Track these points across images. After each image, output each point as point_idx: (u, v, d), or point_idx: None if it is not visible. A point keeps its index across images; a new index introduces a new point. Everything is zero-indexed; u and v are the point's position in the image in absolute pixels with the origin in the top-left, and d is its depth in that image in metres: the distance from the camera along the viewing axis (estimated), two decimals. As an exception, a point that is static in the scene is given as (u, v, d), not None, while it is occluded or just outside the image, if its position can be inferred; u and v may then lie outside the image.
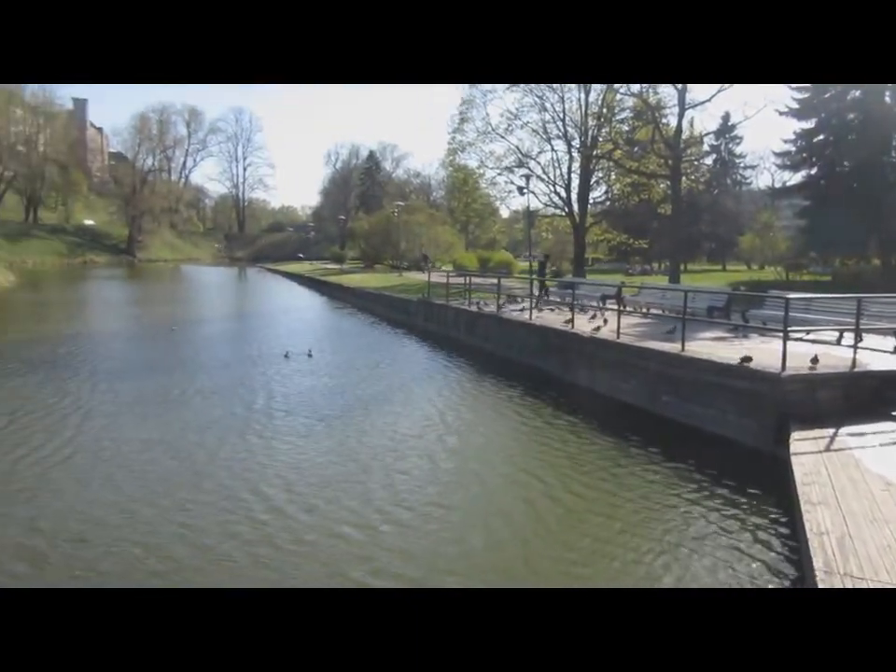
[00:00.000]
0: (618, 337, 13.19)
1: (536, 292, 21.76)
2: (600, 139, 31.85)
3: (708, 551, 6.46)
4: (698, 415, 10.45)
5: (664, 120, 30.98)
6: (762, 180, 74.84)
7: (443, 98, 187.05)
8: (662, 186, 33.01)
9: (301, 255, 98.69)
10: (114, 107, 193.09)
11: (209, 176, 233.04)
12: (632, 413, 11.63)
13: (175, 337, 22.25)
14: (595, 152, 31.90)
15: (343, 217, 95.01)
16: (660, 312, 17.79)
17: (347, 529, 6.95)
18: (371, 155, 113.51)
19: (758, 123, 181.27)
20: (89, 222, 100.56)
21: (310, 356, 17.74)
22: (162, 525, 6.99)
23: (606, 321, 15.28)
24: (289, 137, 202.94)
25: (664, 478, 8.58)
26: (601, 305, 17.60)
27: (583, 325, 15.23)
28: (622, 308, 14.94)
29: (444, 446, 10.11)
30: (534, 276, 25.41)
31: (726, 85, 24.01)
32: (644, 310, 18.52)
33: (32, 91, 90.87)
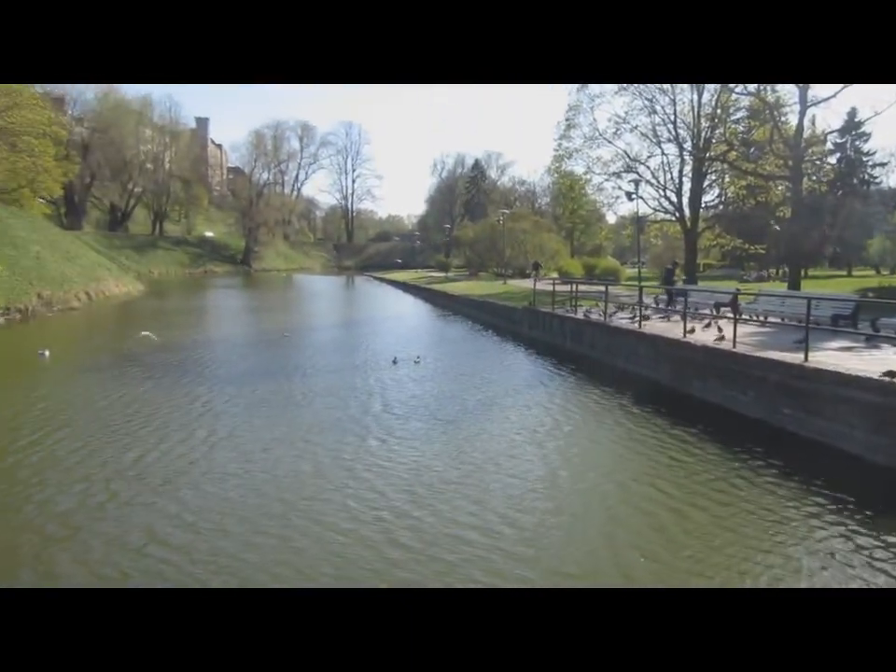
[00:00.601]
0: (734, 346, 12.73)
1: (647, 300, 21.24)
2: (713, 141, 30.77)
3: (839, 577, 6.15)
4: (822, 430, 9.94)
5: (783, 119, 29.57)
6: (893, 179, 70.09)
7: (548, 102, 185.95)
8: (780, 188, 31.50)
9: (399, 261, 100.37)
10: (233, 125, 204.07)
11: (320, 188, 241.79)
12: (749, 425, 11.21)
13: (288, 343, 23.18)
14: (707, 154, 30.84)
15: (448, 225, 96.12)
16: (779, 320, 17.01)
17: (467, 531, 7.12)
18: (477, 163, 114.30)
19: (889, 118, 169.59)
20: (209, 234, 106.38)
21: (417, 362, 18.12)
22: (293, 522, 7.38)
23: (720, 330, 14.75)
24: (396, 148, 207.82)
25: (787, 491, 8.28)
26: (715, 313, 17.01)
27: (696, 334, 14.76)
28: (737, 316, 14.37)
29: (556, 452, 10.15)
30: (642, 284, 24.82)
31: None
32: (761, 318, 17.75)
33: (159, 112, 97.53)
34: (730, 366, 12.45)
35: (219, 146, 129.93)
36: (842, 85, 23.90)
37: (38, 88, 54.85)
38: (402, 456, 9.73)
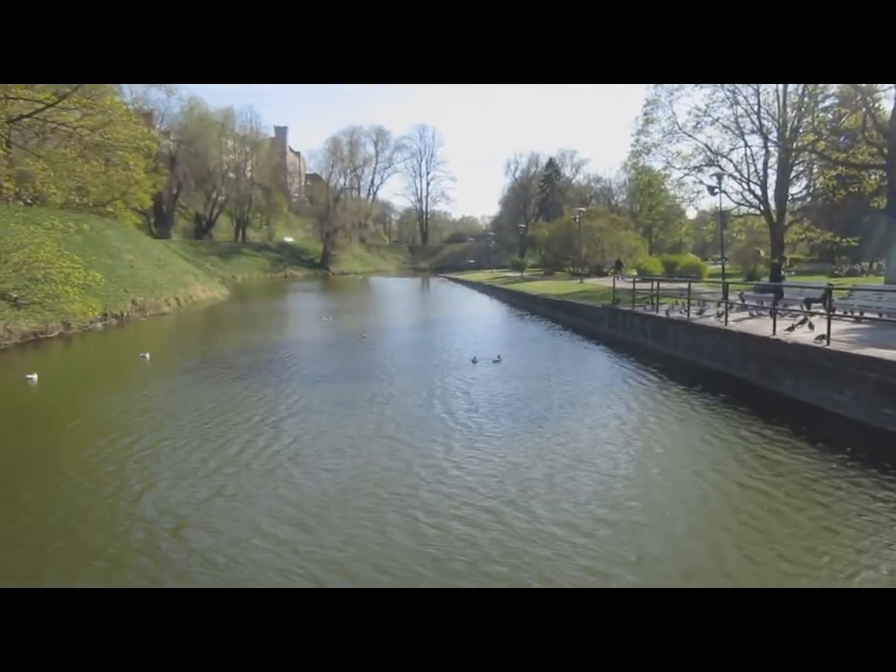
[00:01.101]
0: (828, 343, 12.22)
1: (732, 297, 20.61)
2: (801, 130, 29.49)
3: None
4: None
5: (876, 105, 28.12)
6: None
7: (623, 98, 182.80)
8: (874, 177, 29.96)
9: (473, 262, 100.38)
10: (310, 133, 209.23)
11: (394, 192, 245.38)
12: (846, 425, 10.76)
13: (367, 344, 23.58)
14: (794, 145, 29.59)
15: (522, 225, 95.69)
16: (876, 316, 16.21)
17: (561, 530, 7.12)
18: (551, 162, 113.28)
19: None
20: (288, 239, 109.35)
21: (497, 360, 18.19)
22: (389, 519, 7.53)
23: (812, 326, 14.17)
24: (470, 149, 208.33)
25: (890, 493, 7.94)
26: (805, 309, 16.36)
27: (786, 331, 14.22)
28: (830, 312, 13.76)
29: (644, 452, 10.03)
30: (726, 280, 24.06)
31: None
32: (856, 314, 16.95)
33: (240, 123, 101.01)
34: (824, 364, 11.96)
35: (298, 153, 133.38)
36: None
37: (129, 104, 57.74)
38: (491, 455, 9.81)
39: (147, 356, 19.57)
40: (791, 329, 14.08)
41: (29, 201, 32.58)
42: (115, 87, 31.55)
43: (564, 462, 9.44)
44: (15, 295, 21.71)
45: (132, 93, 73.76)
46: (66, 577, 6.30)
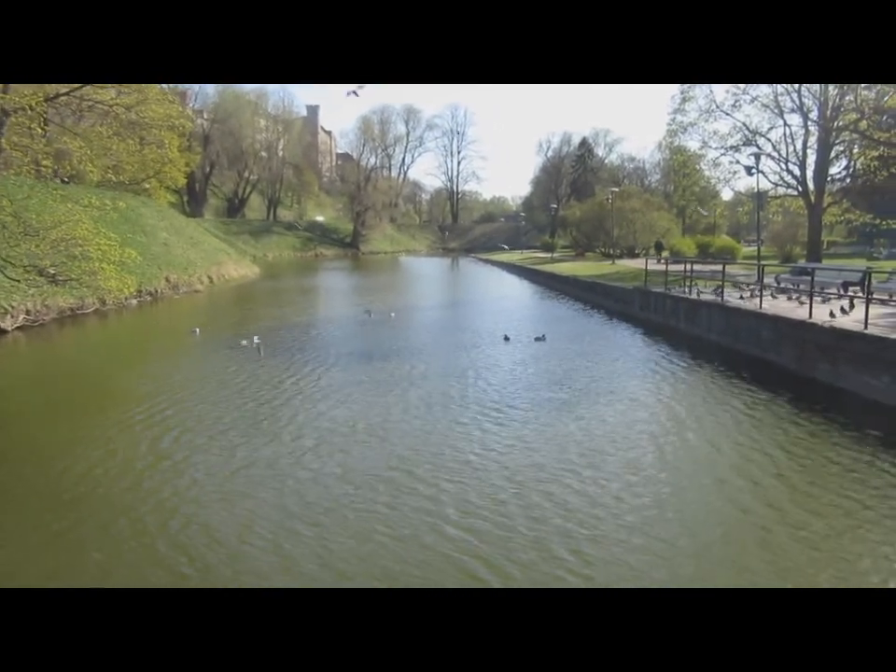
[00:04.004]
0: (866, 328, 11.97)
1: (768, 280, 20.22)
2: (842, 109, 28.71)
3: None
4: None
5: (922, 83, 27.21)
6: None
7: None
8: (918, 157, 29.06)
9: (504, 245, 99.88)
10: (342, 111, 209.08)
11: (425, 171, 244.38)
12: (885, 413, 10.53)
13: (398, 323, 23.65)
14: (835, 124, 28.83)
15: (553, 205, 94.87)
16: (917, 300, 15.82)
17: (598, 526, 7.02)
18: (584, 142, 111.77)
19: None
20: (319, 218, 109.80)
21: (542, 339, 18.56)
22: (422, 513, 7.40)
23: (852, 308, 13.88)
24: (502, 128, 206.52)
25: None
26: (843, 293, 16.02)
27: (823, 314, 13.94)
28: (869, 296, 13.45)
29: (679, 443, 9.78)
30: (762, 263, 23.61)
31: None
32: (897, 298, 16.56)
33: (273, 102, 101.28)
34: (861, 348, 11.72)
35: (329, 132, 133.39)
36: None
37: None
38: (531, 438, 9.84)
39: (198, 331, 20.41)
40: (832, 315, 13.67)
41: (66, 179, 33.09)
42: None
43: (596, 450, 9.40)
44: (53, 271, 22.09)
45: (166, 72, 74.16)
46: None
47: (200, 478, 8.32)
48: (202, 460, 8.98)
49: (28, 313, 21.65)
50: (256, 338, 18.27)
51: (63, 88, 21.88)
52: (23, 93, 19.66)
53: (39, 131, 22.70)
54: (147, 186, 42.72)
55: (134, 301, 28.66)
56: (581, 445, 9.40)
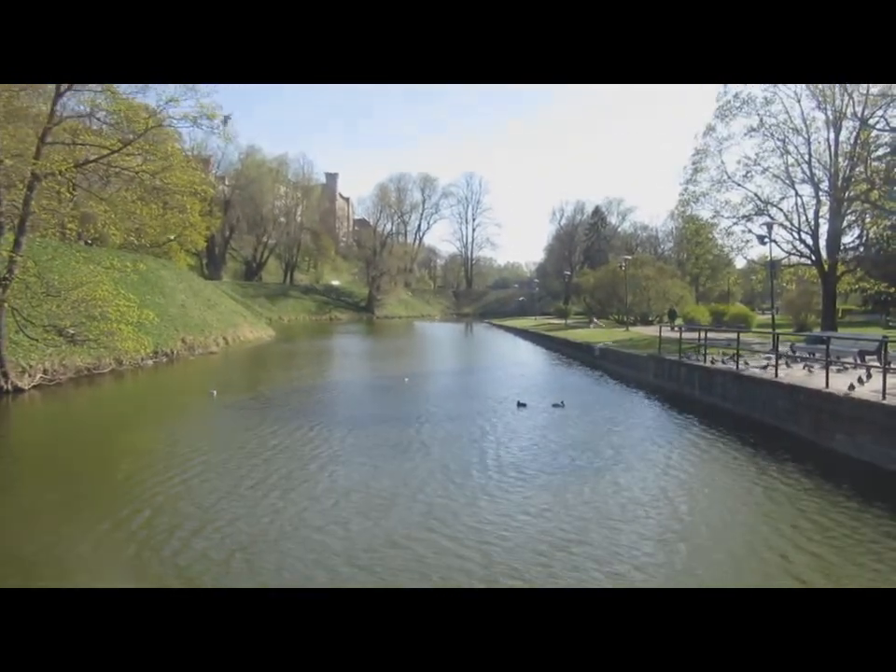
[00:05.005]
0: (884, 398, 11.82)
1: (782, 349, 20.10)
2: (853, 180, 29.06)
3: None
4: None
5: (931, 156, 27.59)
6: None
7: (671, 147, 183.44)
8: (931, 227, 29.24)
9: (516, 307, 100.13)
10: (359, 178, 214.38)
11: (441, 237, 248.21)
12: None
13: (412, 388, 23.61)
14: (847, 194, 29.14)
15: (567, 272, 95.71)
16: (935, 370, 15.61)
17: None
18: (597, 210, 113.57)
19: None
20: (335, 282, 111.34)
21: (560, 405, 18.45)
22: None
23: (869, 378, 13.74)
24: (515, 196, 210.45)
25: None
26: (860, 362, 15.88)
27: (839, 384, 13.79)
28: (886, 365, 13.32)
29: (696, 513, 9.64)
30: (777, 331, 23.55)
31: None
32: (914, 368, 16.36)
33: (294, 169, 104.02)
34: (881, 419, 11.54)
35: (347, 199, 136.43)
36: None
37: (189, 150, 59.97)
38: (552, 505, 9.71)
39: (215, 393, 20.53)
40: (851, 388, 13.23)
41: (90, 241, 33.90)
42: (176, 133, 32.86)
43: (612, 518, 9.27)
44: (72, 331, 22.44)
45: (191, 140, 76.78)
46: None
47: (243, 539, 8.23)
48: (241, 529, 8.90)
49: (45, 372, 21.86)
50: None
51: (93, 154, 22.62)
52: (54, 159, 20.34)
53: (67, 195, 23.41)
54: (168, 249, 43.60)
55: (150, 362, 28.90)
56: (594, 515, 9.24)
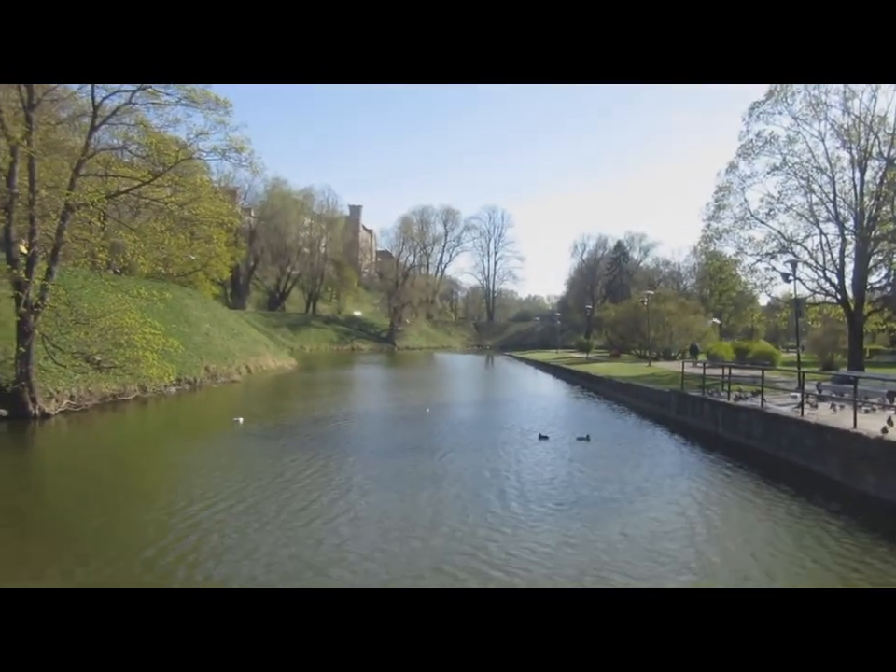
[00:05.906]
0: (915, 439, 11.61)
1: (809, 387, 19.87)
2: (879, 219, 28.85)
3: None
4: None
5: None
6: None
7: (693, 183, 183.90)
8: (959, 268, 28.90)
9: (537, 340, 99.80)
10: (383, 211, 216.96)
11: (462, 270, 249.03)
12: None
13: (434, 419, 23.58)
14: (872, 234, 28.91)
15: (589, 306, 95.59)
16: (967, 412, 15.30)
17: None
18: (619, 245, 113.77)
19: None
20: (357, 313, 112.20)
21: (585, 439, 18.40)
22: None
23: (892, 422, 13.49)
24: (537, 230, 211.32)
25: None
26: (889, 403, 15.62)
27: (867, 424, 13.56)
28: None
29: (720, 555, 9.46)
30: (802, 370, 23.25)
31: None
32: (945, 409, 16.04)
33: (319, 202, 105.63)
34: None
35: (370, 231, 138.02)
36: None
37: (217, 182, 61.06)
38: (577, 539, 9.64)
39: (241, 420, 20.76)
40: (885, 430, 12.77)
41: (118, 270, 34.53)
42: (205, 165, 33.54)
43: (634, 558, 9.11)
44: (99, 358, 22.79)
45: (219, 172, 78.25)
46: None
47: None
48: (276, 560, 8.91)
49: (72, 398, 22.16)
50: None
51: (124, 186, 23.17)
52: (87, 190, 20.86)
53: (98, 225, 23.94)
54: (192, 279, 44.24)
55: (174, 389, 29.17)
56: (610, 556, 9.13)
